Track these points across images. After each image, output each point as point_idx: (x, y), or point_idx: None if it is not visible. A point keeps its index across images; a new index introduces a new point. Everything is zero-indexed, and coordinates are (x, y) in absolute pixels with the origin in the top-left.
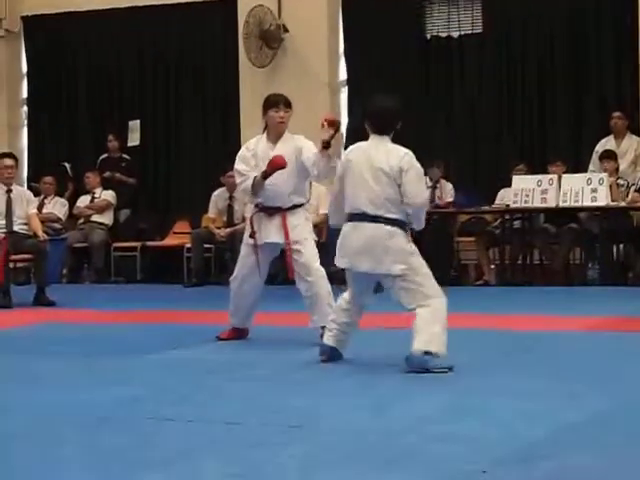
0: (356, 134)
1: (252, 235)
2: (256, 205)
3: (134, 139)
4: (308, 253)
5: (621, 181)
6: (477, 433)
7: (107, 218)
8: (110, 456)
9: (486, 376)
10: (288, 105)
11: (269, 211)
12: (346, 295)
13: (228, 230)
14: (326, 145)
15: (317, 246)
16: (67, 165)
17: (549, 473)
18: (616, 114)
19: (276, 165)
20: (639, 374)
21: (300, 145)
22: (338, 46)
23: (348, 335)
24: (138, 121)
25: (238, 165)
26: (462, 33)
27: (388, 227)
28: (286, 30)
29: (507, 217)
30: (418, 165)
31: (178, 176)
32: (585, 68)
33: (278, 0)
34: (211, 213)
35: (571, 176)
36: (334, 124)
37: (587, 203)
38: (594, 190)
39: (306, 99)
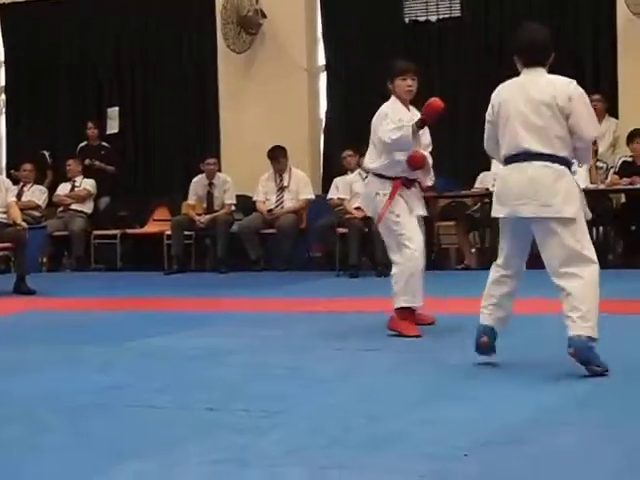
0: (334, 119)
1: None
2: (397, 178)
3: (113, 126)
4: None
5: (600, 164)
6: (460, 417)
7: (87, 207)
8: (93, 444)
9: (466, 360)
10: (416, 73)
11: (410, 183)
12: (498, 261)
13: (208, 217)
14: (421, 124)
15: (299, 232)
16: (46, 153)
17: (531, 456)
18: (595, 97)
19: (435, 110)
20: (619, 356)
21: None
22: (316, 31)
23: (508, 310)
24: (117, 108)
25: (388, 124)
26: (440, 17)
27: (555, 165)
28: (264, 15)
29: (487, 201)
30: (585, 95)
31: (157, 163)
32: (563, 51)
33: None
34: (191, 200)
35: None
36: (437, 112)
37: None
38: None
39: (284, 84)
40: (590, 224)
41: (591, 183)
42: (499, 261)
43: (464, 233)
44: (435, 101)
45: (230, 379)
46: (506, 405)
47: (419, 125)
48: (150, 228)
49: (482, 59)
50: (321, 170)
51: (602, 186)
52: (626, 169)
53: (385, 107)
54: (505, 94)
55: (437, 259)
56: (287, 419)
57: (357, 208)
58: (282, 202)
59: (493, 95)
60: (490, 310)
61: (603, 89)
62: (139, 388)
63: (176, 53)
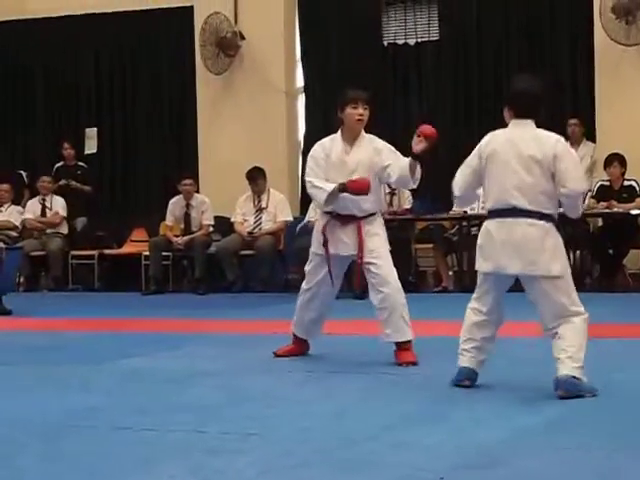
0: (312, 141)
1: (324, 244)
2: (328, 213)
3: (91, 147)
4: (385, 264)
5: None
6: (435, 440)
7: (62, 227)
8: (68, 466)
9: (443, 383)
10: (368, 102)
11: (343, 219)
12: (477, 306)
13: (186, 238)
14: (416, 157)
15: (276, 253)
16: (24, 173)
17: (506, 478)
18: (573, 121)
19: (360, 192)
20: (593, 380)
21: (379, 147)
22: (295, 53)
23: (489, 352)
24: (95, 129)
25: (310, 176)
26: (419, 40)
27: (542, 223)
28: (243, 37)
29: (465, 224)
30: (572, 150)
31: (135, 183)
32: (541, 75)
33: (235, 7)
34: (168, 221)
35: None
36: (430, 137)
37: None
38: None
39: (263, 106)
40: (567, 248)
41: None
42: (482, 308)
43: (442, 256)
44: (363, 183)
45: (206, 401)
46: (481, 428)
47: (340, 190)
48: (128, 249)
49: (460, 82)
50: (299, 192)
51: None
52: (603, 193)
53: (324, 140)
54: (495, 145)
55: (415, 281)
56: (262, 441)
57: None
58: (260, 223)
59: (482, 143)
60: (473, 353)
61: (581, 114)
62: (115, 410)
63: (155, 74)
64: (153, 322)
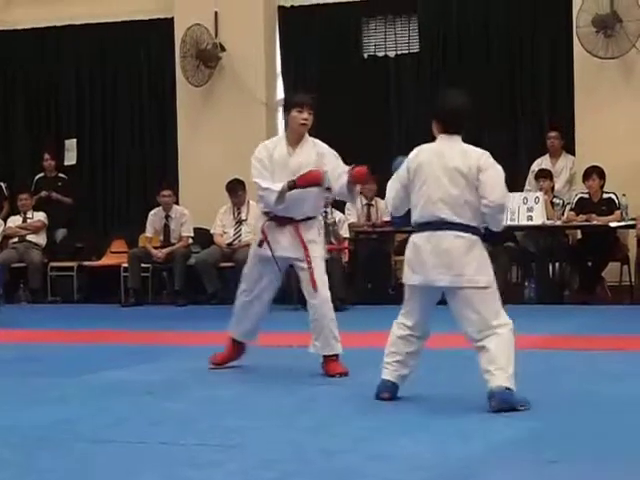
0: None
1: (261, 244)
2: (266, 213)
3: (71, 158)
4: (317, 274)
5: (557, 200)
6: (413, 452)
7: (41, 238)
8: (47, 478)
9: (423, 394)
10: (312, 106)
11: (280, 221)
12: (404, 320)
13: (165, 250)
14: (293, 187)
15: None
16: (3, 185)
17: None
18: (552, 134)
19: (313, 181)
20: (574, 392)
21: (322, 152)
22: (275, 65)
23: (413, 368)
24: (74, 140)
25: (257, 177)
26: (399, 53)
27: (468, 235)
28: (223, 49)
29: None
30: (498, 165)
31: (115, 195)
32: (521, 88)
33: (215, 19)
34: (148, 232)
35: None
36: (359, 180)
37: (523, 222)
38: (530, 209)
39: (243, 118)
40: (546, 260)
41: (547, 219)
42: (407, 322)
43: None
44: (316, 173)
45: (186, 413)
46: (460, 440)
47: (290, 187)
48: (107, 260)
49: (439, 94)
50: None
51: (558, 222)
52: (582, 206)
53: (267, 142)
54: (422, 159)
55: (394, 294)
56: (241, 453)
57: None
58: (240, 235)
59: (410, 157)
60: (395, 367)
61: (560, 126)
62: (94, 422)
63: (135, 86)
64: (132, 334)
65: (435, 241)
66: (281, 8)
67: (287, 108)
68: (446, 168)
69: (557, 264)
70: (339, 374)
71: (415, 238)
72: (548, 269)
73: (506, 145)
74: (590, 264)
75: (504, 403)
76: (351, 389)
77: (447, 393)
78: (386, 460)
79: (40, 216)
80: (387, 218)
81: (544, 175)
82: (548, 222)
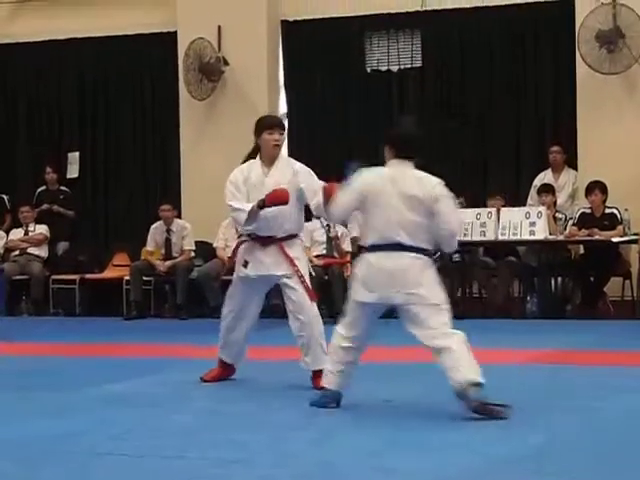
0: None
1: (245, 265)
2: (248, 235)
3: (73, 171)
4: (303, 291)
5: (559, 215)
6: (415, 466)
7: (43, 251)
8: None
9: (425, 409)
10: (283, 127)
11: (262, 241)
12: (345, 332)
13: (168, 263)
14: (262, 206)
15: None
16: (5, 197)
17: None
18: (555, 148)
19: (278, 200)
20: (576, 407)
21: (296, 169)
22: (278, 79)
23: (351, 376)
24: (77, 153)
25: (230, 200)
26: (402, 67)
27: (422, 257)
28: (226, 63)
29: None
30: (451, 194)
31: (117, 208)
32: (524, 103)
33: (218, 33)
34: (149, 246)
35: (510, 210)
36: (329, 195)
37: (526, 237)
38: (532, 224)
39: (246, 131)
40: (548, 275)
41: (550, 234)
42: (349, 333)
43: None
44: (281, 192)
45: (187, 426)
46: (461, 454)
47: (259, 207)
48: (109, 273)
49: (443, 109)
50: None
51: (561, 237)
52: (585, 220)
53: (243, 165)
54: (376, 185)
55: (393, 308)
56: (243, 467)
57: (317, 256)
58: None
59: (362, 181)
60: (338, 376)
61: (562, 141)
62: (96, 435)
63: (138, 99)
64: (134, 347)
65: (392, 261)
66: (284, 22)
67: (259, 131)
68: (402, 194)
69: (559, 279)
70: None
71: (371, 257)
72: (550, 284)
73: (508, 159)
74: (592, 279)
75: (474, 401)
76: (352, 403)
77: (447, 407)
78: (389, 474)
79: (42, 229)
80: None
81: (546, 190)
82: (550, 237)
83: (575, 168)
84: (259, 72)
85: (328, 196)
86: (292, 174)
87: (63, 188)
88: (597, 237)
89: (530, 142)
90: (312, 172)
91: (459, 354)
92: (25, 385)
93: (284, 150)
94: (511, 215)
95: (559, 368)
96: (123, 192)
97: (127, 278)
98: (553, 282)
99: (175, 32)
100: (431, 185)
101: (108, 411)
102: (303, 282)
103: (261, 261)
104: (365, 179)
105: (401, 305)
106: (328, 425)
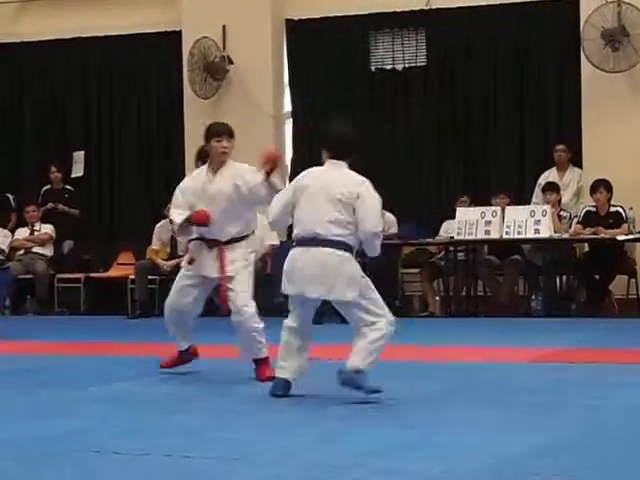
0: (301, 165)
1: (190, 262)
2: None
3: (78, 170)
4: (240, 292)
5: (564, 213)
6: (420, 467)
7: (48, 250)
8: None
9: (429, 408)
10: (231, 135)
11: (208, 243)
12: (290, 323)
13: (173, 262)
14: (266, 177)
15: (263, 277)
16: (10, 196)
17: None
18: (559, 147)
19: (200, 222)
20: (581, 406)
21: (240, 171)
22: (283, 78)
23: (303, 365)
24: (82, 152)
25: (173, 206)
26: (406, 66)
27: (340, 252)
28: (231, 62)
29: (451, 249)
30: (376, 194)
31: (122, 207)
32: (528, 101)
33: (223, 32)
34: (155, 245)
35: (514, 208)
36: (270, 159)
37: (530, 235)
38: (537, 222)
39: (251, 131)
40: (553, 273)
41: (555, 232)
42: (293, 324)
43: (428, 280)
44: (201, 215)
45: (190, 425)
46: (468, 454)
47: (188, 220)
48: (114, 272)
49: (447, 107)
50: None
51: (565, 235)
52: (589, 219)
53: (189, 178)
54: (308, 181)
55: (401, 306)
56: (246, 466)
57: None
58: None
59: (299, 177)
60: (288, 365)
61: (567, 140)
62: (99, 434)
63: (143, 98)
64: (139, 346)
65: (311, 256)
66: (289, 21)
67: (208, 138)
68: (328, 192)
69: (564, 277)
70: (267, 379)
71: (294, 252)
72: (555, 282)
73: (513, 158)
74: (597, 277)
75: (347, 383)
76: (355, 403)
77: (449, 407)
78: (392, 475)
79: (47, 229)
80: (395, 231)
81: (551, 188)
82: (555, 235)
83: (580, 166)
84: (264, 71)
85: (268, 159)
86: (236, 177)
87: (68, 187)
88: (602, 235)
89: (535, 140)
90: (255, 169)
91: (363, 343)
92: (28, 384)
93: (289, 148)
94: (516, 213)
95: (564, 366)
96: (128, 191)
97: (132, 277)
98: (558, 280)
99: (180, 31)
100: (356, 183)
101: (112, 410)
102: (222, 287)
103: (204, 261)
104: (298, 178)
105: (316, 300)
106: (331, 425)
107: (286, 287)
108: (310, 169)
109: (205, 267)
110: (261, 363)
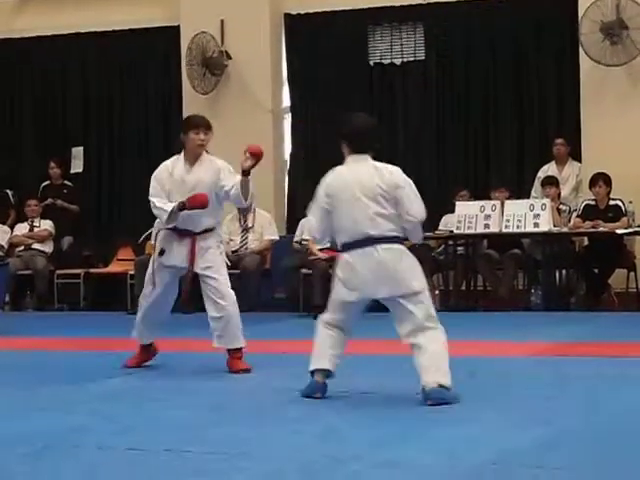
0: (298, 160)
1: (161, 253)
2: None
3: (77, 166)
4: (221, 277)
5: (563, 207)
6: (422, 460)
7: (47, 246)
8: None
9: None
10: (209, 128)
11: (180, 233)
12: (333, 320)
13: None
14: (246, 173)
15: (263, 272)
16: (9, 192)
17: None
18: (559, 141)
19: (199, 204)
20: (581, 399)
21: (218, 167)
22: (281, 73)
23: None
24: (81, 148)
25: (153, 196)
26: (405, 60)
27: (396, 246)
28: (229, 57)
29: (451, 243)
30: (409, 180)
31: (121, 203)
32: (527, 95)
33: (221, 27)
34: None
35: (514, 202)
36: (257, 155)
37: (530, 229)
38: (536, 216)
39: (249, 125)
40: (553, 267)
41: (554, 226)
42: (332, 322)
43: (428, 275)
44: (201, 197)
45: (191, 420)
46: (469, 447)
47: (179, 208)
48: (114, 268)
49: (446, 102)
50: (285, 211)
51: (565, 229)
52: (589, 212)
53: (167, 162)
54: (340, 182)
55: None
56: (247, 461)
57: (321, 249)
58: (246, 243)
59: (327, 181)
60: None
61: (566, 133)
62: (99, 430)
63: (141, 93)
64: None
65: (367, 257)
66: (287, 16)
67: (185, 129)
68: (363, 187)
69: (563, 271)
70: (242, 370)
71: (347, 257)
72: (554, 276)
73: (512, 152)
74: (596, 271)
75: (437, 400)
76: (356, 397)
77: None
78: (395, 468)
79: (47, 225)
80: None
81: (550, 182)
82: (554, 229)
83: (579, 160)
84: (262, 66)
85: (253, 152)
86: (213, 172)
87: (67, 183)
88: (601, 229)
89: (534, 134)
90: (232, 170)
91: (428, 352)
92: (28, 380)
93: (287, 142)
94: (515, 207)
95: (563, 360)
96: (127, 186)
97: (131, 272)
98: (557, 274)
99: (178, 26)
100: (390, 173)
101: (112, 405)
102: (188, 277)
103: (175, 251)
104: (326, 184)
105: (385, 298)
106: (331, 418)
107: (345, 295)
108: (335, 169)
109: (176, 257)
110: (237, 353)
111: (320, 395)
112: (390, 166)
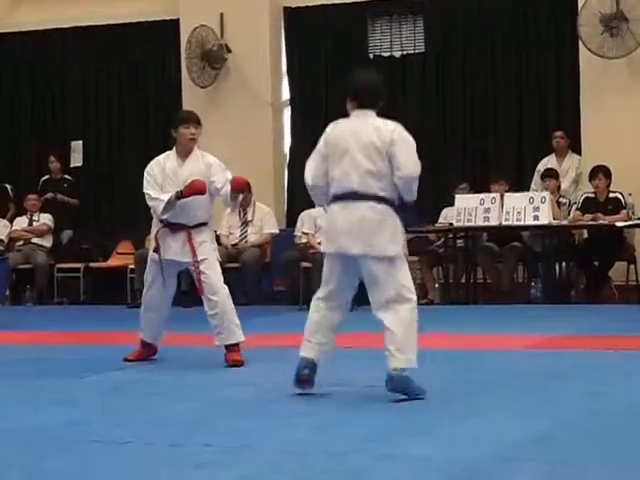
0: (298, 154)
1: (156, 250)
2: (160, 221)
3: (76, 160)
4: (213, 272)
5: (563, 200)
6: (421, 453)
7: (47, 241)
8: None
9: (428, 395)
10: (198, 122)
11: (173, 227)
12: (321, 295)
13: None
14: (181, 196)
15: (262, 266)
16: (9, 186)
17: None
18: (558, 133)
19: (196, 191)
20: (581, 392)
21: (209, 162)
22: (281, 66)
23: (332, 344)
24: (80, 142)
25: (147, 189)
26: (404, 53)
27: (380, 206)
28: (229, 50)
29: (450, 236)
30: (410, 137)
31: (121, 197)
32: (527, 87)
33: (221, 20)
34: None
35: (513, 195)
36: (240, 189)
37: (529, 222)
38: (536, 209)
39: (249, 119)
40: (553, 260)
41: (554, 219)
42: (321, 294)
43: (428, 268)
44: (199, 183)
45: (192, 414)
46: (467, 441)
47: (177, 197)
48: (114, 261)
49: (446, 95)
50: (285, 205)
51: (565, 222)
52: (588, 205)
53: (159, 157)
54: (338, 133)
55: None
56: (247, 455)
57: (321, 242)
58: (246, 236)
59: (327, 131)
60: (313, 343)
61: (566, 126)
62: (100, 423)
63: (140, 87)
64: (139, 335)
65: (349, 211)
66: (287, 9)
67: (175, 125)
68: (360, 143)
69: (563, 264)
70: (235, 362)
71: (332, 208)
72: (554, 269)
73: (512, 145)
74: (596, 264)
75: (400, 387)
76: (357, 390)
77: (451, 393)
78: (394, 461)
79: (46, 219)
80: None
81: (550, 175)
82: (554, 222)
83: (579, 153)
84: (262, 59)
85: (236, 186)
86: (205, 166)
87: (67, 177)
88: (601, 222)
89: (533, 127)
90: (224, 166)
91: (396, 335)
92: (29, 373)
93: (287, 135)
94: (515, 200)
95: (563, 353)
96: (127, 180)
97: (131, 266)
98: (557, 267)
99: (177, 20)
100: (389, 130)
101: (112, 399)
102: (199, 273)
103: (170, 246)
104: (326, 135)
105: (358, 257)
106: (330, 412)
107: (325, 245)
108: (338, 120)
109: (172, 252)
110: (235, 347)
111: (305, 386)
112: (392, 122)
